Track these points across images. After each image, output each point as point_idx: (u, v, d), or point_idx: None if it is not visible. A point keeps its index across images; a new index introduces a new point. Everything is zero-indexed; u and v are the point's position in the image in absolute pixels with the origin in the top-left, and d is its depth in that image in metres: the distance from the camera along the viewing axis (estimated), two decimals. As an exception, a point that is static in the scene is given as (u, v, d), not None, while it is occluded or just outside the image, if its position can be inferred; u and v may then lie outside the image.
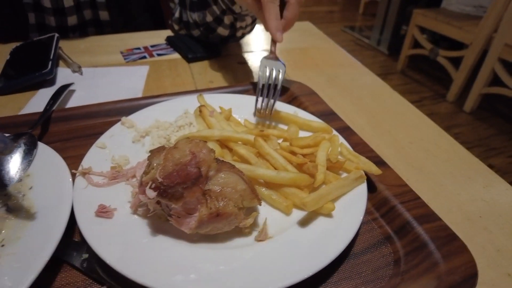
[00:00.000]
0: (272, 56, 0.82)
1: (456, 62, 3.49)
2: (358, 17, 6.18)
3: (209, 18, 1.12)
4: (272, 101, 0.78)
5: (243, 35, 1.26)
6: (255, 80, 1.10)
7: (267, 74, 0.80)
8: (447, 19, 3.45)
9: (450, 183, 0.72)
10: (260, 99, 0.80)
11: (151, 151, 0.56)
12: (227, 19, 1.10)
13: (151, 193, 0.49)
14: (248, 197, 0.53)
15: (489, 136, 3.12)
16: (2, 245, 0.54)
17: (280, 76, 0.79)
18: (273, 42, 0.82)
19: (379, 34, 4.84)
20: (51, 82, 1.05)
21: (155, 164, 0.52)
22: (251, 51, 1.30)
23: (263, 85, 0.80)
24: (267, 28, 0.78)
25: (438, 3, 3.91)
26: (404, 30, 4.61)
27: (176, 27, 1.25)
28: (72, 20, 1.34)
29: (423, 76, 4.13)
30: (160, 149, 0.55)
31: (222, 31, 1.16)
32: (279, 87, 0.79)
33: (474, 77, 3.28)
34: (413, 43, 4.00)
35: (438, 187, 0.71)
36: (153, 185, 0.49)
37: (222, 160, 0.57)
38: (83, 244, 0.56)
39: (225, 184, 0.52)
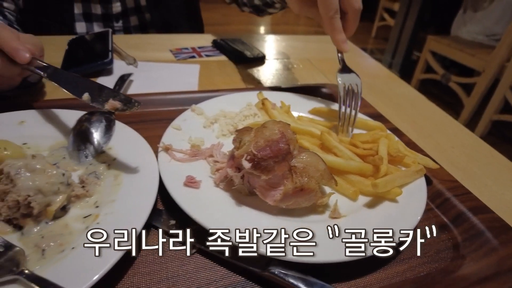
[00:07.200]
0: (345, 69, 0.86)
1: (467, 88, 3.59)
2: (370, 40, 6.35)
3: (257, 2, 1.30)
4: (354, 112, 0.82)
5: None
6: (300, 83, 1.17)
7: (347, 88, 0.83)
8: (460, 46, 3.57)
9: (493, 184, 0.77)
10: (342, 111, 0.82)
11: (237, 131, 0.62)
12: None
13: (247, 164, 0.54)
14: (326, 177, 0.58)
15: (498, 162, 3.17)
16: (97, 206, 0.59)
17: (359, 88, 0.83)
18: (339, 52, 0.86)
19: (391, 57, 4.98)
20: (109, 72, 1.12)
21: (246, 140, 0.57)
22: (292, 58, 1.38)
23: (344, 99, 0.82)
24: (333, 40, 0.82)
25: (446, 30, 4.06)
26: (415, 55, 4.76)
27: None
28: (116, 8, 1.41)
29: (434, 101, 4.13)
30: (248, 128, 0.61)
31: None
32: (359, 100, 0.82)
33: (484, 103, 3.37)
34: (425, 68, 4.13)
35: (483, 186, 0.76)
36: (248, 157, 0.55)
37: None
38: (166, 212, 0.61)
39: (308, 163, 0.58)
